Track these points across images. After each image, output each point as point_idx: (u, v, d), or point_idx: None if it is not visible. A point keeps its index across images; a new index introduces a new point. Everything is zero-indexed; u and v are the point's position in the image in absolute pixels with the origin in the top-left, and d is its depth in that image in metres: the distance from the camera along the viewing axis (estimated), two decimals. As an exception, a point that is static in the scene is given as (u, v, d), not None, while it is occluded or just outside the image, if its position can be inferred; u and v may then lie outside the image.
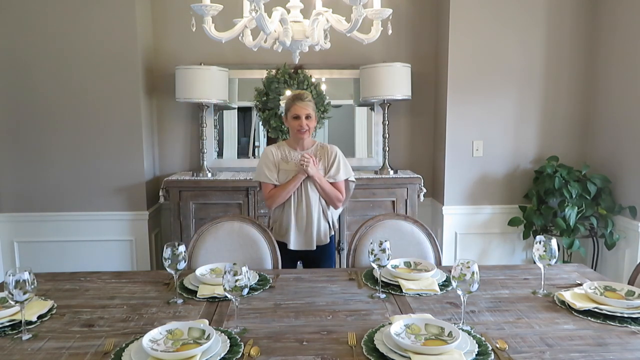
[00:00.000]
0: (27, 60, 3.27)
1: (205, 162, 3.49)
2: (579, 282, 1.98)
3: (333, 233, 2.59)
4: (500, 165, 3.52)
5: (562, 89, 3.48)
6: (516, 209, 3.51)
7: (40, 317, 1.64)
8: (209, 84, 3.33)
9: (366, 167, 3.68)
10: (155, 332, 1.44)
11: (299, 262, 2.57)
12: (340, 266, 3.24)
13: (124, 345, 1.42)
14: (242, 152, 3.81)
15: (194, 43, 3.52)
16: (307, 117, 2.43)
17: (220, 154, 3.76)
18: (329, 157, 2.49)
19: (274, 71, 3.57)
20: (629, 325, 1.56)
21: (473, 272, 1.51)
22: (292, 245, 2.47)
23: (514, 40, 3.40)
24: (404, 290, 1.87)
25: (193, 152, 3.72)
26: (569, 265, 2.36)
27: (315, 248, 2.50)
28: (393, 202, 3.39)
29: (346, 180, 2.55)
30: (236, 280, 1.49)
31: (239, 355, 1.38)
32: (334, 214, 2.57)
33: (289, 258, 2.46)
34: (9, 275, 1.47)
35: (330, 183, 2.47)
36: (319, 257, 2.52)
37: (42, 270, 2.07)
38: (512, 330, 1.55)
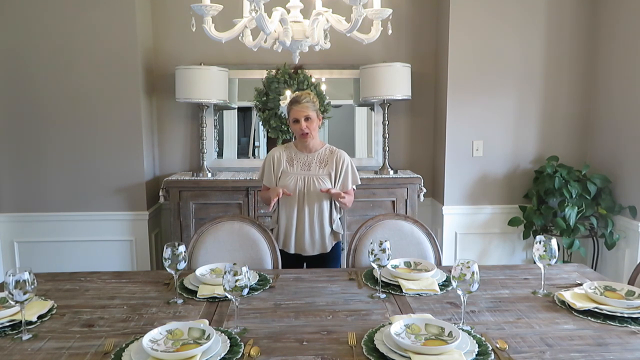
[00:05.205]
0: (27, 61, 3.26)
1: (205, 162, 3.49)
2: (579, 282, 1.98)
3: (340, 240, 2.55)
4: (500, 165, 3.52)
5: (562, 88, 3.48)
6: (516, 209, 3.51)
7: (40, 317, 1.64)
8: (209, 84, 3.33)
9: (366, 167, 3.68)
10: (155, 332, 1.44)
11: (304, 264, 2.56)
12: (340, 266, 3.24)
13: (124, 345, 1.42)
14: (242, 152, 3.81)
15: (194, 43, 3.52)
16: (306, 118, 2.41)
17: (220, 154, 3.76)
18: (337, 164, 2.46)
19: (274, 71, 3.57)
20: (629, 325, 1.57)
21: (473, 272, 1.51)
22: (291, 249, 2.47)
23: (514, 40, 3.40)
24: (404, 290, 1.87)
25: (193, 152, 3.72)
26: (569, 265, 2.36)
27: (313, 253, 2.48)
28: (393, 202, 3.39)
29: None
30: (236, 281, 1.49)
31: (239, 355, 1.38)
32: (338, 219, 2.54)
33: (290, 265, 2.45)
34: (9, 275, 1.47)
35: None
36: (321, 265, 2.50)
37: (42, 270, 2.07)
38: (512, 330, 1.55)
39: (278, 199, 2.40)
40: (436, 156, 3.75)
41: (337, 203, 2.48)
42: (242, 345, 1.42)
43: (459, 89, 3.42)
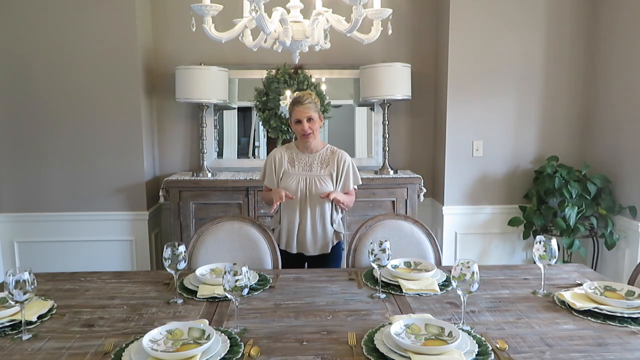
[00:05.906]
0: (27, 61, 3.26)
1: (205, 162, 3.49)
2: (579, 282, 1.98)
3: (341, 239, 2.55)
4: (500, 165, 3.53)
5: (562, 89, 3.48)
6: (516, 209, 3.51)
7: (40, 317, 1.64)
8: (209, 84, 3.33)
9: (366, 167, 3.68)
10: (155, 332, 1.44)
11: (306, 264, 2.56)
12: (341, 266, 3.24)
13: (124, 345, 1.42)
14: (242, 152, 3.81)
15: (194, 43, 3.52)
16: (309, 119, 2.41)
17: (220, 154, 3.76)
18: (338, 165, 2.46)
19: (274, 71, 3.57)
20: (629, 325, 1.57)
21: (473, 272, 1.51)
22: (293, 249, 2.47)
23: (514, 40, 3.40)
24: (404, 290, 1.87)
25: (193, 152, 3.72)
26: (569, 265, 2.36)
27: (315, 253, 2.48)
28: (393, 202, 3.39)
29: None
30: (236, 280, 1.49)
31: (239, 355, 1.38)
32: (339, 219, 2.54)
33: (292, 265, 2.45)
34: (9, 275, 1.47)
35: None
36: (323, 265, 2.50)
37: (42, 270, 2.08)
38: (512, 330, 1.55)
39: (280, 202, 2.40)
40: (436, 156, 3.75)
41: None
42: (242, 345, 1.42)
43: (459, 89, 3.42)
